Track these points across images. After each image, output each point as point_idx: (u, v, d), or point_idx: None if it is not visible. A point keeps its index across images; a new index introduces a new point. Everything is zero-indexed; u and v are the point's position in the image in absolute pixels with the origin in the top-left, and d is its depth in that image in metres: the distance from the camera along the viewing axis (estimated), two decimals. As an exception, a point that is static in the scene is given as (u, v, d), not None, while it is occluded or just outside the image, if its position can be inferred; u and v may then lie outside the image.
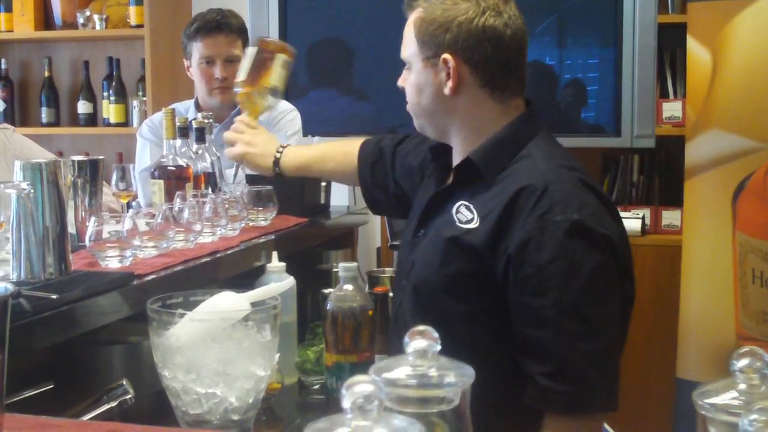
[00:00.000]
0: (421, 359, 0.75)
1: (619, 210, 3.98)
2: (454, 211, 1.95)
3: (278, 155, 2.50)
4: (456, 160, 2.06)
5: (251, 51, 2.58)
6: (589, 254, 1.80)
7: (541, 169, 1.89)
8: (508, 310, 1.85)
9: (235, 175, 2.73)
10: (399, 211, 2.50)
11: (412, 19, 2.00)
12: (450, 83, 1.95)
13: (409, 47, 2.01)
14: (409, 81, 2.04)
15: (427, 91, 2.00)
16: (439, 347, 0.76)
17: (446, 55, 1.94)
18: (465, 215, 1.92)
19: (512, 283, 1.83)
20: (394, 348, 1.99)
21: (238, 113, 3.46)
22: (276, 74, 2.55)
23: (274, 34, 4.28)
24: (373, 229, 4.17)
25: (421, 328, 0.77)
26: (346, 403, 0.64)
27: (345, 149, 2.52)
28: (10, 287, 0.86)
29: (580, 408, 1.81)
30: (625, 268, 1.89)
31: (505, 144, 1.97)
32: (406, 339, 0.78)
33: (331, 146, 2.62)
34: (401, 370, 0.76)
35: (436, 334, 0.77)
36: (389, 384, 0.70)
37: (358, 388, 0.64)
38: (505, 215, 1.85)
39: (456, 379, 0.76)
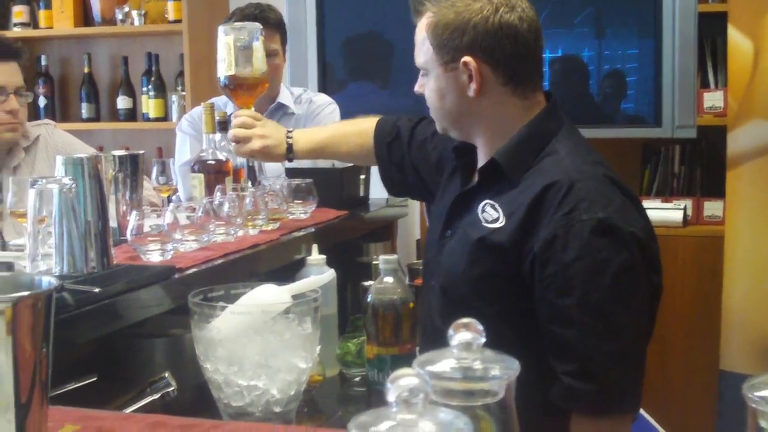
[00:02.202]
0: (466, 352, 0.75)
1: (660, 201, 3.98)
2: (479, 210, 1.93)
3: (290, 141, 2.45)
4: (481, 159, 2.04)
5: (228, 40, 2.42)
6: (616, 253, 1.78)
7: (566, 165, 1.87)
8: (535, 309, 1.84)
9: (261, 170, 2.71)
10: (415, 192, 2.50)
11: (424, 24, 1.98)
12: (473, 85, 1.93)
13: (425, 53, 1.99)
14: (428, 87, 2.01)
15: (450, 96, 1.98)
16: (483, 339, 0.76)
17: (466, 58, 1.92)
18: (491, 214, 1.91)
19: (537, 282, 1.81)
20: (423, 349, 1.98)
21: (278, 107, 3.48)
22: (260, 58, 2.45)
23: (311, 27, 4.29)
24: (412, 221, 4.17)
25: (466, 320, 0.77)
26: (391, 397, 0.64)
27: (357, 129, 2.49)
28: (54, 281, 0.86)
29: (604, 408, 1.79)
30: (652, 263, 1.86)
31: (529, 142, 1.95)
32: (451, 331, 0.77)
33: (342, 127, 2.59)
34: (446, 363, 0.75)
35: (480, 327, 0.76)
36: (434, 377, 0.70)
37: (403, 381, 0.64)
38: (530, 213, 1.83)
39: (501, 371, 0.75)
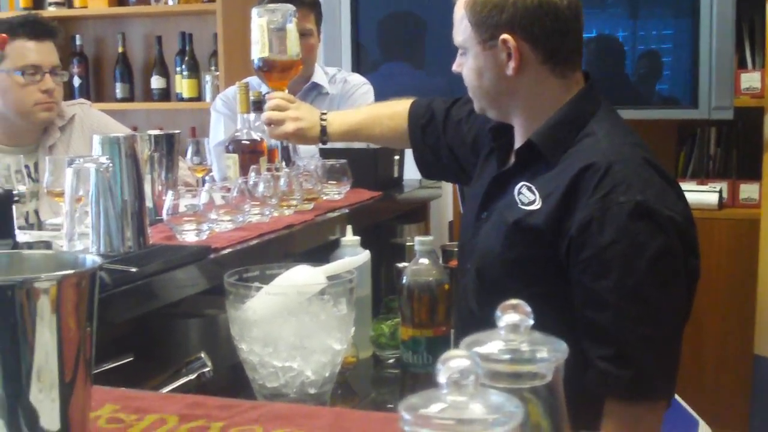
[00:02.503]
0: (514, 333, 0.74)
1: (695, 183, 3.94)
2: (516, 192, 1.91)
3: (324, 123, 2.44)
4: (518, 140, 2.02)
5: (261, 22, 2.41)
6: (653, 236, 1.75)
7: (603, 147, 1.85)
8: (571, 292, 1.82)
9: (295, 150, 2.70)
10: (450, 174, 2.49)
11: (462, 2, 1.95)
12: (512, 63, 1.90)
13: (463, 32, 1.97)
14: (467, 66, 1.99)
15: (489, 74, 1.95)
16: (531, 321, 0.75)
17: (505, 35, 1.89)
18: (527, 196, 1.89)
19: (573, 265, 1.80)
20: (458, 331, 1.98)
21: (312, 87, 3.48)
22: (294, 40, 2.42)
23: (345, 7, 4.27)
24: (445, 202, 4.15)
25: (514, 301, 0.76)
26: (441, 378, 0.63)
27: (391, 111, 2.47)
28: (98, 259, 0.86)
29: (639, 394, 1.77)
30: (690, 247, 1.84)
31: (567, 123, 1.93)
32: (498, 313, 0.77)
33: (376, 109, 2.57)
34: (493, 345, 0.74)
35: (528, 308, 0.76)
36: (481, 358, 0.69)
37: (453, 362, 0.63)
38: (567, 195, 1.81)
39: (549, 354, 0.74)
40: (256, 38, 2.39)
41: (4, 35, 1.66)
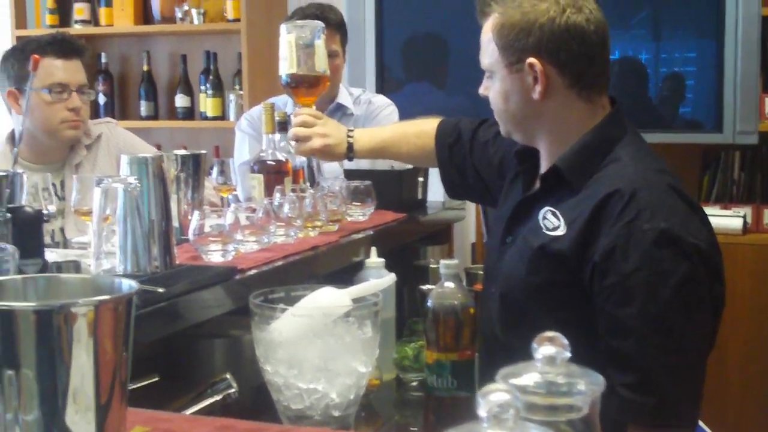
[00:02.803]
0: (550, 366, 0.74)
1: (719, 208, 3.92)
2: (540, 217, 1.91)
3: (350, 140, 2.43)
4: (543, 164, 2.02)
5: (290, 38, 2.39)
6: (677, 264, 1.74)
7: (629, 173, 1.84)
8: (595, 318, 1.81)
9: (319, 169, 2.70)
10: (475, 195, 2.48)
11: (490, 25, 1.95)
12: (538, 87, 1.90)
13: (490, 55, 1.96)
14: (493, 89, 1.99)
15: (515, 98, 1.95)
16: (568, 354, 0.74)
17: (531, 59, 1.89)
18: (552, 222, 1.88)
19: (597, 292, 1.79)
20: (482, 355, 1.97)
21: (337, 108, 3.49)
22: (322, 57, 2.42)
23: (370, 28, 4.29)
24: (468, 224, 4.15)
25: (550, 334, 0.76)
26: (482, 411, 0.63)
27: (418, 130, 2.46)
28: (134, 284, 0.86)
29: (662, 421, 1.75)
30: (716, 274, 1.82)
31: (593, 148, 1.92)
32: (534, 345, 0.76)
33: (403, 128, 2.56)
34: (529, 377, 0.74)
35: (565, 341, 0.75)
36: (517, 390, 0.68)
37: (494, 396, 0.63)
38: (591, 221, 1.81)
39: (586, 387, 0.74)
40: (284, 54, 2.39)
41: (36, 56, 1.67)
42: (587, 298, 1.81)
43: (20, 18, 5.06)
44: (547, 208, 1.91)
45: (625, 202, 1.78)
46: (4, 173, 1.65)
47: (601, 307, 1.79)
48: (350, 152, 2.43)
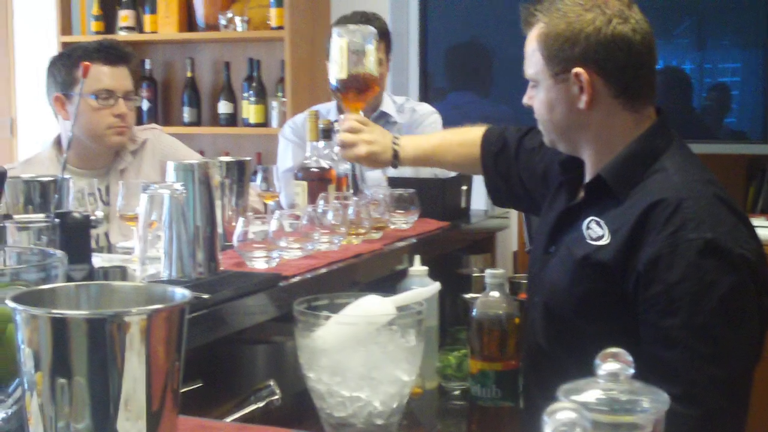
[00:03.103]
0: (613, 382, 0.72)
1: (765, 219, 3.86)
2: (584, 227, 1.90)
3: (396, 147, 2.42)
4: (588, 174, 2.01)
5: (342, 43, 2.38)
6: (723, 275, 1.72)
7: (675, 183, 1.83)
8: (638, 329, 1.79)
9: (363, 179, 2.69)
10: (520, 203, 2.47)
11: (535, 35, 1.94)
12: (584, 97, 1.89)
13: (535, 64, 1.95)
14: (537, 99, 1.98)
15: (560, 108, 1.94)
16: (632, 371, 0.73)
17: (578, 69, 1.88)
18: (595, 231, 1.87)
19: (641, 302, 1.77)
20: (525, 365, 1.95)
21: (381, 116, 3.48)
22: (373, 62, 2.41)
23: (413, 36, 4.29)
24: (510, 233, 4.13)
25: (614, 350, 0.74)
26: (547, 430, 0.61)
27: (464, 138, 2.45)
28: (187, 293, 0.86)
29: None
30: (763, 286, 1.80)
31: (638, 158, 1.91)
32: (597, 361, 0.75)
33: (449, 136, 2.55)
34: (591, 394, 0.73)
35: (629, 357, 0.74)
36: (578, 406, 0.67)
37: (560, 414, 0.62)
38: (636, 231, 1.79)
39: (650, 405, 0.72)
40: (335, 58, 2.38)
41: (86, 63, 1.68)
42: (630, 308, 1.80)
43: (65, 24, 5.10)
44: (591, 217, 1.89)
45: (670, 211, 1.76)
46: (51, 178, 1.66)
47: (644, 318, 1.77)
48: (395, 160, 2.43)
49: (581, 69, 1.88)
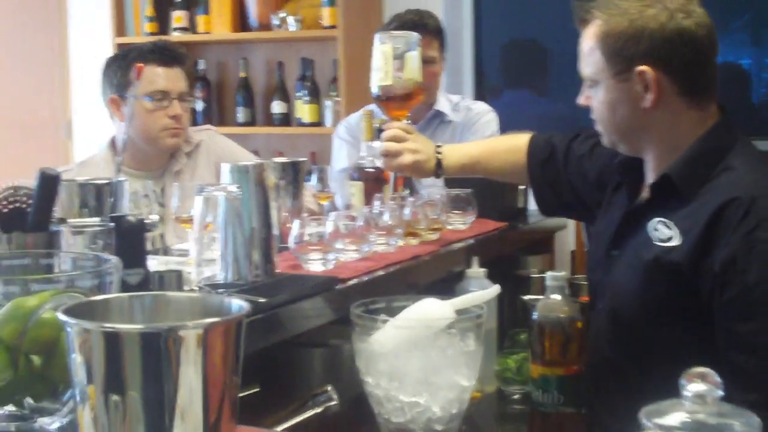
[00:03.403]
0: (700, 405, 0.68)
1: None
2: (650, 229, 1.83)
3: (439, 156, 2.33)
4: (649, 174, 1.94)
5: (384, 49, 2.30)
6: None
7: (745, 181, 1.77)
8: (712, 334, 1.73)
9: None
10: (570, 211, 2.41)
11: (592, 33, 1.88)
12: (650, 96, 1.83)
13: (593, 64, 1.89)
14: (597, 99, 1.92)
15: (623, 108, 1.88)
16: (720, 393, 0.68)
17: (642, 67, 1.82)
18: (664, 232, 1.81)
19: (717, 305, 1.71)
20: (589, 375, 1.90)
21: (435, 115, 3.45)
22: (416, 69, 2.32)
23: (467, 34, 4.25)
24: (568, 232, 4.07)
25: (700, 369, 0.70)
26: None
27: (509, 146, 2.38)
28: (245, 305, 0.83)
29: None
30: None
31: (704, 157, 1.85)
32: (683, 381, 0.71)
33: (493, 144, 2.50)
34: (676, 417, 0.68)
35: (717, 378, 0.69)
36: (662, 430, 0.63)
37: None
38: (708, 230, 1.73)
39: (741, 428, 0.68)
40: (377, 65, 2.32)
41: (140, 64, 1.66)
42: (705, 312, 1.74)
43: (119, 26, 5.13)
44: (657, 218, 1.83)
45: (744, 210, 1.71)
46: (106, 181, 1.65)
47: (720, 322, 1.72)
48: (439, 169, 2.34)
49: (646, 67, 1.82)
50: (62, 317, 0.80)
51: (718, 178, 1.81)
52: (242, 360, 0.83)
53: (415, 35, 2.35)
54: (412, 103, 2.37)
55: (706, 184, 1.81)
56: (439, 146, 2.36)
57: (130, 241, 1.36)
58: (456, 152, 2.38)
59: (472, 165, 2.38)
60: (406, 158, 2.31)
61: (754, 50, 4.12)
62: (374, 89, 2.34)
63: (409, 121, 2.49)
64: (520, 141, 2.36)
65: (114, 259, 1.04)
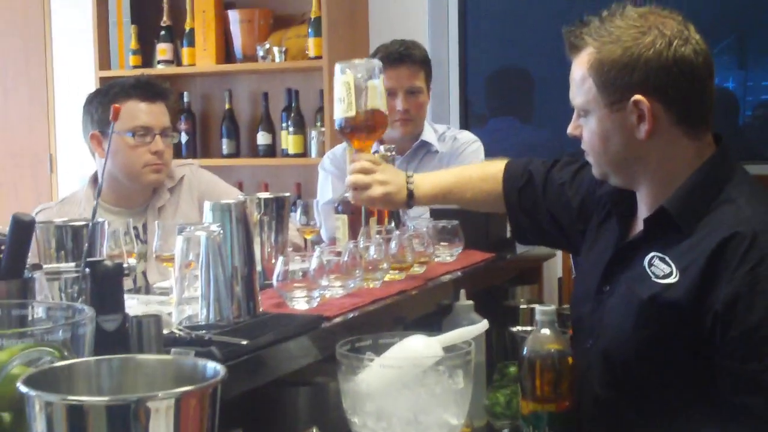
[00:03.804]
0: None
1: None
2: (646, 264, 1.78)
3: (410, 186, 2.27)
4: (643, 207, 1.89)
5: (346, 79, 2.22)
6: None
7: (746, 215, 1.71)
8: (714, 376, 1.68)
9: None
10: (549, 239, 2.34)
11: (584, 61, 1.81)
12: (645, 126, 1.77)
13: (585, 93, 1.83)
14: (588, 129, 1.85)
15: (616, 139, 1.81)
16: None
17: (637, 97, 1.75)
18: (661, 269, 1.75)
19: (720, 346, 1.65)
20: (584, 416, 1.84)
21: (422, 145, 3.42)
22: (380, 97, 2.25)
23: (453, 63, 4.25)
24: (555, 260, 4.05)
25: None
26: None
27: (483, 173, 2.32)
28: (220, 369, 0.79)
29: None
30: None
31: (702, 190, 1.79)
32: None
33: (467, 171, 2.44)
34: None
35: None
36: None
37: None
38: (709, 267, 1.67)
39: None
40: (339, 96, 2.23)
41: (117, 106, 1.63)
42: (704, 352, 1.68)
43: (104, 59, 5.10)
44: (653, 253, 1.78)
45: (746, 246, 1.65)
46: (84, 223, 1.61)
47: (723, 363, 1.66)
48: (410, 199, 2.28)
49: (641, 96, 1.76)
50: (23, 389, 0.76)
51: (718, 210, 1.75)
52: (219, 412, 0.79)
53: (376, 62, 2.28)
54: (377, 134, 2.30)
55: (705, 217, 1.75)
56: (410, 175, 2.30)
57: (106, 286, 1.32)
58: (428, 181, 2.32)
59: (445, 194, 2.32)
60: (376, 191, 2.24)
61: (739, 73, 4.11)
62: (337, 121, 2.26)
63: (393, 152, 2.47)
64: (495, 168, 2.31)
65: (87, 309, 1.00)
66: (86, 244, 1.53)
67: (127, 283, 2.60)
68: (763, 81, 4.13)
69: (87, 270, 1.30)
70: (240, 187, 4.95)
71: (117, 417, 0.74)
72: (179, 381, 0.80)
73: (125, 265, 1.38)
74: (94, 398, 0.76)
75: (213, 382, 0.78)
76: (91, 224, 1.54)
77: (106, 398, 0.77)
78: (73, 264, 1.36)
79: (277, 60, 4.84)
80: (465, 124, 4.19)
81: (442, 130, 3.51)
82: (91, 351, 1.08)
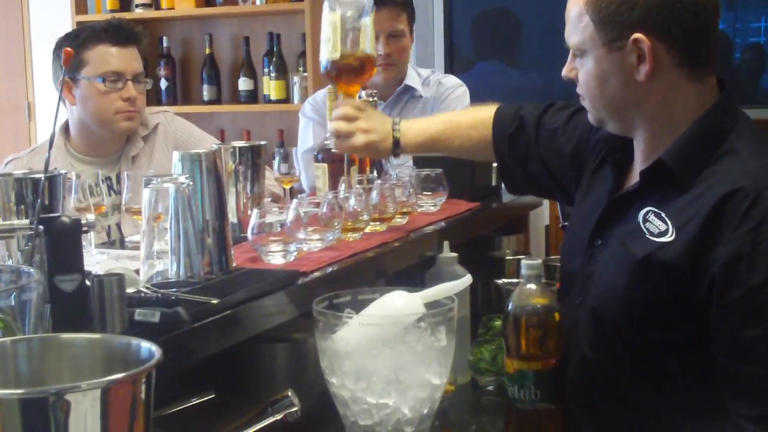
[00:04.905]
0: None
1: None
2: (641, 219, 1.68)
3: (396, 134, 2.16)
4: (639, 156, 1.78)
5: (333, 18, 2.10)
6: None
7: (750, 169, 1.60)
8: (708, 339, 1.59)
9: None
10: (540, 189, 2.24)
11: None
12: (645, 67, 1.66)
13: (581, 32, 1.71)
14: (584, 70, 1.74)
15: (614, 80, 1.70)
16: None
17: (637, 35, 1.64)
18: (656, 226, 1.65)
19: (716, 309, 1.56)
20: (571, 377, 1.76)
21: (405, 90, 3.33)
22: (369, 38, 2.13)
23: (438, 6, 4.15)
24: (543, 208, 3.97)
25: None
26: None
27: (473, 119, 2.21)
28: (155, 350, 0.70)
29: None
30: None
31: (703, 139, 1.68)
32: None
33: (455, 117, 2.31)
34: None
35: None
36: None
37: None
38: (707, 226, 1.57)
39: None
40: (326, 36, 2.12)
41: (68, 49, 1.53)
42: (698, 316, 1.59)
43: (80, 3, 5.01)
44: (648, 208, 1.68)
45: (749, 203, 1.55)
46: (38, 176, 1.52)
47: (719, 327, 1.57)
48: (396, 148, 2.18)
49: (641, 35, 1.64)
50: None
51: (719, 162, 1.65)
52: (152, 412, 0.71)
53: (365, 1, 2.15)
54: (365, 77, 2.18)
55: (705, 169, 1.65)
56: (396, 123, 2.20)
57: (63, 244, 1.24)
58: (414, 129, 2.21)
59: (433, 141, 2.21)
60: (359, 139, 2.14)
61: (728, 14, 4.04)
62: (323, 63, 2.14)
63: (375, 98, 2.37)
64: (484, 114, 2.20)
65: (34, 272, 0.92)
66: (39, 199, 1.44)
67: (101, 236, 2.52)
68: (753, 23, 4.06)
69: (41, 227, 1.21)
70: (221, 134, 4.87)
71: (33, 412, 0.65)
72: (109, 364, 0.71)
73: (84, 221, 1.29)
74: (6, 391, 0.67)
75: (146, 368, 0.69)
76: (44, 177, 1.44)
77: (19, 390, 0.67)
78: (26, 221, 1.27)
79: (258, 2, 4.74)
80: (450, 69, 4.11)
81: (427, 75, 3.42)
82: (41, 318, 1.00)
